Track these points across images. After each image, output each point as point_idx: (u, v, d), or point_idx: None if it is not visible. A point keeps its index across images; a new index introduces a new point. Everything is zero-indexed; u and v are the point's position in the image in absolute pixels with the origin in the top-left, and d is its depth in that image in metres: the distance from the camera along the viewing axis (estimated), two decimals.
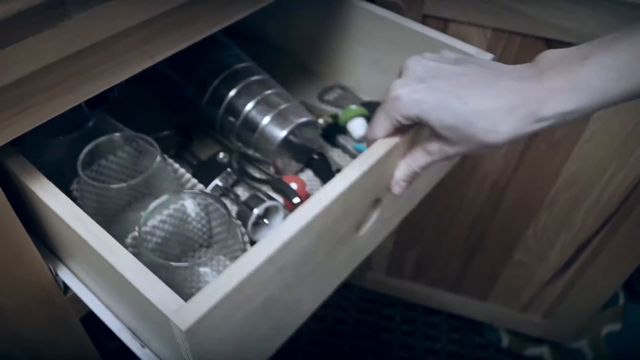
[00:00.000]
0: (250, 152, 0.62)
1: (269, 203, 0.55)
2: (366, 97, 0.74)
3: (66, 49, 0.36)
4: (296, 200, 0.57)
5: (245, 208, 0.54)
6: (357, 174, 0.42)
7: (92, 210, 0.47)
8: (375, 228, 0.53)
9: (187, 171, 0.58)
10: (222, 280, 0.34)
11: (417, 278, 1.21)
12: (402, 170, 0.48)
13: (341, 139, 0.67)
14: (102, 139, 0.50)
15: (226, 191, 0.60)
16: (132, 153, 0.53)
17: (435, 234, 1.08)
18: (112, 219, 0.51)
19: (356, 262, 0.56)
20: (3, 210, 0.41)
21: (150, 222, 0.48)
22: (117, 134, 0.51)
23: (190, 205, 0.50)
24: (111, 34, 0.39)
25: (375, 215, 0.52)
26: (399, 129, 0.45)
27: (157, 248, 0.49)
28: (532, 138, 0.83)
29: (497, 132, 0.39)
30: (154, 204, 0.47)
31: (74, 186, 0.50)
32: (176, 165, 0.55)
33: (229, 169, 0.61)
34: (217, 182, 0.59)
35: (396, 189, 0.49)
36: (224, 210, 0.47)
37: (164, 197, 0.48)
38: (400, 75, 0.45)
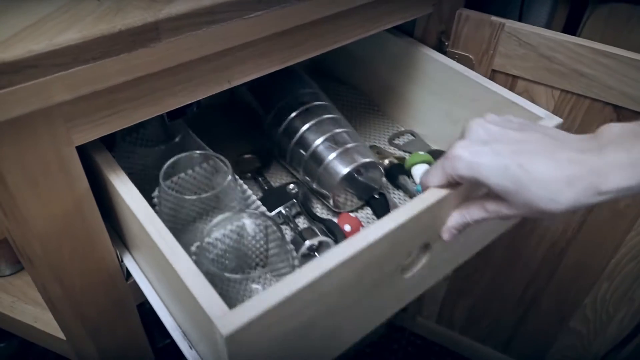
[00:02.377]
0: (314, 185, 0.65)
1: (321, 238, 0.57)
2: (435, 146, 0.77)
3: (155, 67, 0.42)
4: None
5: (299, 238, 0.58)
6: (405, 217, 0.44)
7: (167, 216, 0.52)
8: (423, 273, 0.54)
9: (257, 194, 0.63)
10: (265, 295, 0.37)
11: (467, 331, 1.19)
12: (455, 218, 0.49)
13: (402, 180, 0.69)
14: (183, 155, 0.54)
15: (287, 220, 0.64)
16: (208, 170, 0.58)
17: (489, 287, 1.06)
18: (183, 227, 0.56)
19: (401, 303, 0.57)
20: (86, 198, 0.48)
21: (213, 235, 0.52)
22: (197, 152, 0.56)
23: (249, 225, 0.54)
24: (195, 57, 0.45)
25: (423, 260, 0.53)
26: (454, 184, 0.47)
27: (217, 259, 0.53)
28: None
29: (557, 202, 0.40)
30: (218, 218, 0.51)
31: (155, 193, 0.54)
32: (245, 187, 0.59)
33: (294, 200, 0.65)
34: (281, 209, 0.64)
35: (446, 236, 0.50)
36: (279, 233, 0.51)
37: (227, 214, 0.51)
38: (462, 135, 0.46)
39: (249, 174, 0.71)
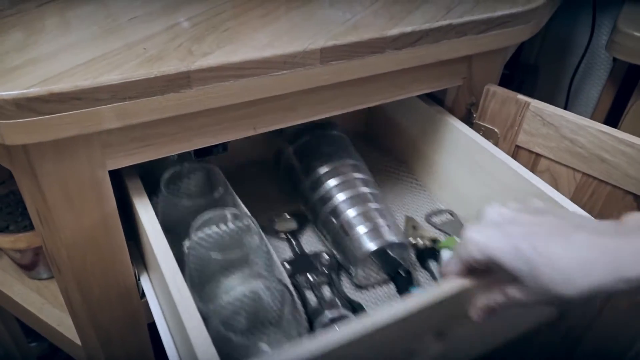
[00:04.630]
0: (340, 256, 0.68)
1: (342, 311, 0.59)
2: None
3: (184, 109, 0.48)
4: None
5: (320, 308, 0.60)
6: (417, 304, 0.45)
7: (194, 265, 0.54)
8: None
9: (289, 254, 0.67)
10: None
11: None
12: (480, 300, 0.48)
13: (431, 264, 0.70)
14: (215, 213, 0.56)
15: (313, 287, 0.66)
16: (241, 227, 0.59)
17: None
18: (208, 280, 0.56)
19: None
20: (112, 217, 0.54)
21: (230, 296, 0.53)
22: (228, 212, 0.57)
23: (262, 288, 0.55)
24: (222, 105, 0.50)
25: (437, 348, 0.53)
26: (476, 271, 0.46)
27: (231, 316, 0.54)
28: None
29: (572, 286, 0.38)
30: (233, 281, 0.53)
31: (187, 244, 0.56)
32: (270, 248, 0.60)
33: (324, 269, 0.67)
34: (308, 275, 0.67)
35: (474, 315, 0.49)
36: (291, 299, 0.52)
37: (242, 276, 0.53)
38: (478, 221, 0.46)
39: (284, 234, 0.74)
